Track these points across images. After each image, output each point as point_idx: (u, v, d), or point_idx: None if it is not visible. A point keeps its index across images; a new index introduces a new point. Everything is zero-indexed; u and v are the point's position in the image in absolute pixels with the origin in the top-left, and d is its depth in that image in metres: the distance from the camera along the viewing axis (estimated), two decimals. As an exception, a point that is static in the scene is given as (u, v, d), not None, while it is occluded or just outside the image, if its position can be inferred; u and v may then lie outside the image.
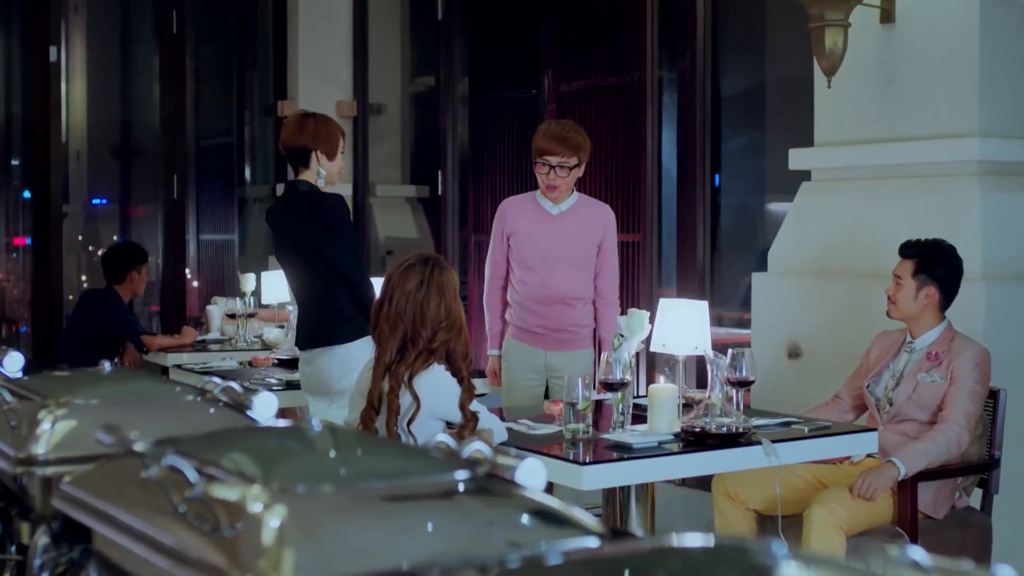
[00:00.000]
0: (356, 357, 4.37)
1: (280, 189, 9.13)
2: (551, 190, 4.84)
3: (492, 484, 1.40)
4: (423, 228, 9.14)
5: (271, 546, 1.23)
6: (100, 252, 11.44)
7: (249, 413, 2.08)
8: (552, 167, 4.78)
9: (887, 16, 5.16)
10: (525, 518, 1.32)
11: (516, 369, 5.00)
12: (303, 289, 4.61)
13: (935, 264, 4.30)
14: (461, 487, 1.35)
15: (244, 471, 1.35)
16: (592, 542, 1.27)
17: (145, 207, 11.19)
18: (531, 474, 1.47)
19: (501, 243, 5.03)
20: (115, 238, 11.56)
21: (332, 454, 1.44)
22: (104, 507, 1.50)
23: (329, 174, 4.58)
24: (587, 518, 1.35)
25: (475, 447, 1.49)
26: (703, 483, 4.77)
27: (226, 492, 1.32)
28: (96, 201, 11.83)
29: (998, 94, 4.94)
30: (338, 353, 4.43)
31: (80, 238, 11.49)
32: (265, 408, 2.09)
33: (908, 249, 4.36)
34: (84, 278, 11.38)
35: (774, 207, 7.01)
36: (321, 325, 4.49)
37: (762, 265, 5.82)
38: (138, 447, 1.40)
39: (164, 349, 6.43)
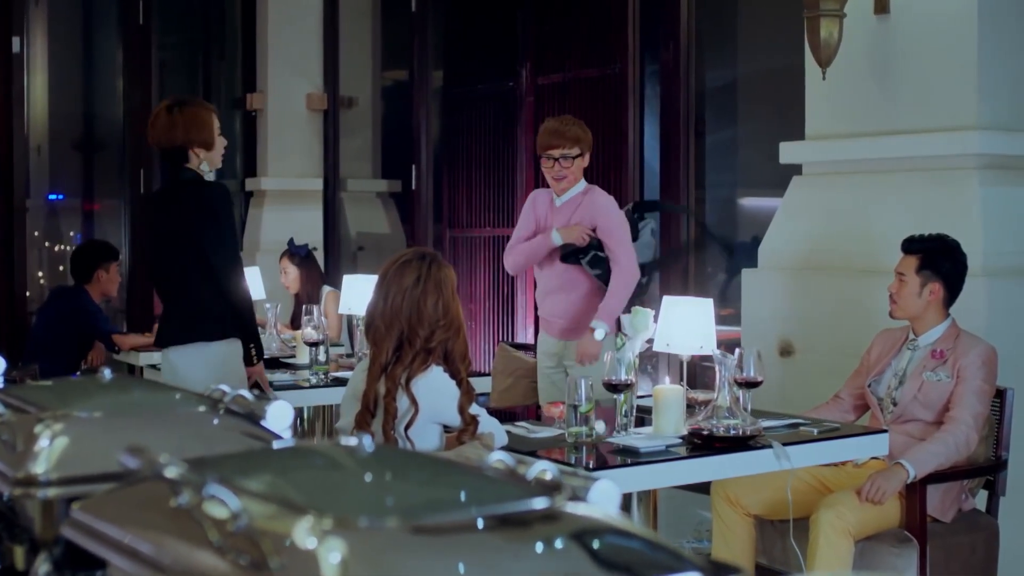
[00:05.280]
0: (222, 356, 4.24)
1: (249, 184, 8.96)
2: (559, 181, 4.98)
3: (568, 510, 1.25)
4: (395, 223, 8.99)
5: (332, 587, 1.07)
6: (57, 248, 11.20)
7: (263, 423, 1.92)
8: (556, 160, 4.94)
9: (881, 6, 5.05)
10: (617, 549, 1.17)
11: (540, 356, 5.14)
12: (172, 282, 4.39)
13: (940, 260, 4.18)
14: (541, 516, 1.20)
15: (293, 500, 1.19)
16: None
17: (107, 202, 10.93)
18: (604, 497, 1.32)
19: (530, 221, 5.11)
20: (72, 234, 11.31)
21: (390, 479, 1.27)
22: (124, 538, 1.33)
23: (211, 163, 4.40)
24: (680, 548, 1.21)
25: (540, 467, 1.34)
26: (699, 484, 4.64)
27: (275, 525, 1.16)
28: (52, 196, 11.55)
29: (997, 86, 4.83)
30: (204, 352, 4.25)
31: (36, 234, 11.23)
32: (280, 417, 1.93)
33: (912, 244, 4.24)
34: (41, 274, 11.13)
35: (758, 202, 6.90)
36: (187, 320, 4.30)
37: (745, 260, 5.71)
38: (170, 472, 1.24)
39: (136, 348, 6.24)
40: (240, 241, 4.39)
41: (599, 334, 4.77)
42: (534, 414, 4.58)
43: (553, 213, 5.01)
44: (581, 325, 4.95)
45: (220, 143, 4.42)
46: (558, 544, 1.17)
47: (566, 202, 4.99)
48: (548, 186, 5.08)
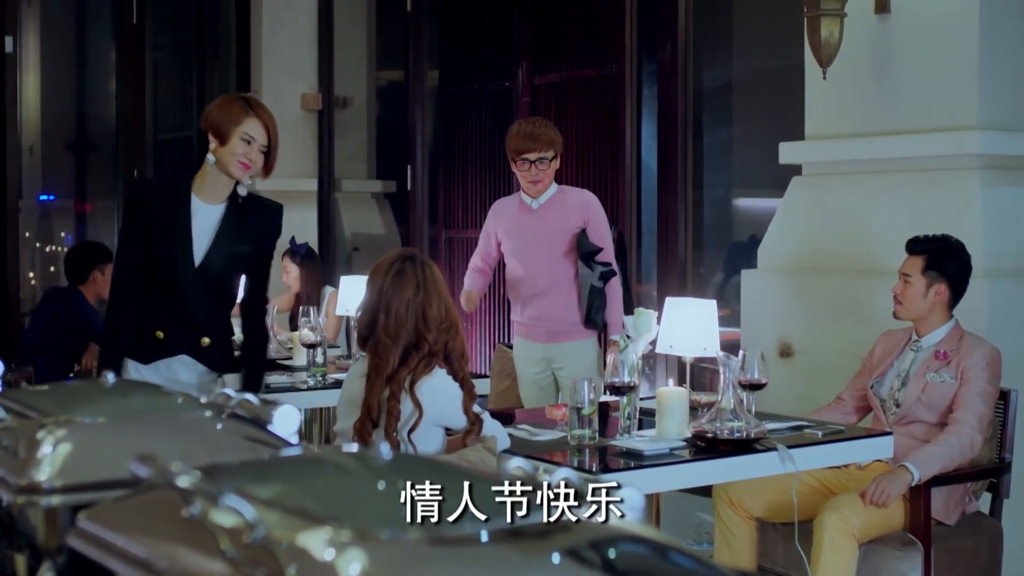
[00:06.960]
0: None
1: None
2: (535, 184, 4.93)
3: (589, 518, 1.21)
4: (390, 224, 8.95)
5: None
6: (49, 249, 11.14)
7: (269, 428, 1.88)
8: (532, 163, 4.88)
9: (882, 5, 5.03)
10: (641, 559, 1.14)
11: (522, 363, 5.07)
12: None
13: (946, 260, 4.15)
14: (563, 526, 1.16)
15: (310, 510, 1.16)
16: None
17: (99, 203, 10.90)
18: (628, 506, 1.28)
19: (488, 242, 5.17)
20: (63, 235, 11.26)
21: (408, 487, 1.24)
22: (133, 548, 1.30)
23: (217, 160, 3.86)
24: (710, 559, 1.17)
25: (562, 475, 1.31)
26: (700, 486, 4.61)
27: (292, 536, 1.12)
28: (44, 197, 11.51)
29: (997, 86, 4.81)
30: None
31: (27, 235, 11.19)
32: (287, 422, 1.88)
33: (916, 245, 4.21)
34: (32, 275, 11.09)
35: (755, 202, 6.88)
36: None
37: (742, 260, 5.68)
38: (182, 481, 1.20)
39: (130, 350, 6.17)
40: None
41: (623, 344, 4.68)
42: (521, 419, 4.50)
43: (529, 215, 4.95)
44: (568, 326, 4.90)
45: (236, 144, 3.88)
46: (582, 555, 1.14)
47: (544, 203, 4.94)
48: (517, 190, 5.05)
